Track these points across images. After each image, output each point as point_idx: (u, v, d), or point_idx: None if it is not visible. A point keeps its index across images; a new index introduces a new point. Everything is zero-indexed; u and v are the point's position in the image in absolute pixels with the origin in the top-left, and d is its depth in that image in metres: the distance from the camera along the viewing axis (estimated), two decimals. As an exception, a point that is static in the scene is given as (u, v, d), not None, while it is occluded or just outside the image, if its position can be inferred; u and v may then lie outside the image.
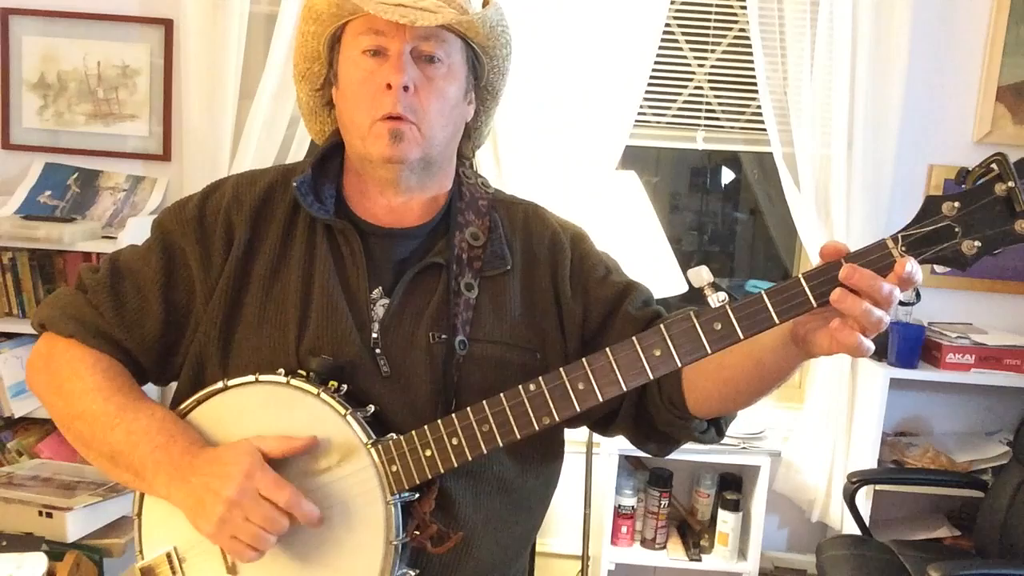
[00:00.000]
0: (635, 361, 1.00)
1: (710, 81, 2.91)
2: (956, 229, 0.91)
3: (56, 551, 1.95)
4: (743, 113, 2.93)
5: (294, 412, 1.09)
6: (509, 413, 1.04)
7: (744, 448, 2.77)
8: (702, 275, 0.89)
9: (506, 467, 1.17)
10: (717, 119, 2.93)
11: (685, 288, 2.51)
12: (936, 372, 2.73)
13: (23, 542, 1.92)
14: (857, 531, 2.64)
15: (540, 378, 1.03)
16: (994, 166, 0.90)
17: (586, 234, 1.29)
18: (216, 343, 1.16)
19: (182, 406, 1.16)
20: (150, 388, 1.24)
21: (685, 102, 2.92)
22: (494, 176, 2.72)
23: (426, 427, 1.07)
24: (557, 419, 1.03)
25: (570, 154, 2.74)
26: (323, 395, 1.08)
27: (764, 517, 2.82)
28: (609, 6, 2.67)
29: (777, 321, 0.95)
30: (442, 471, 1.07)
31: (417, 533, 1.09)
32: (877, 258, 0.92)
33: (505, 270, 1.20)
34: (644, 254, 2.49)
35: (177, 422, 1.13)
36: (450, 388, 1.13)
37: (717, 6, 2.87)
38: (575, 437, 2.31)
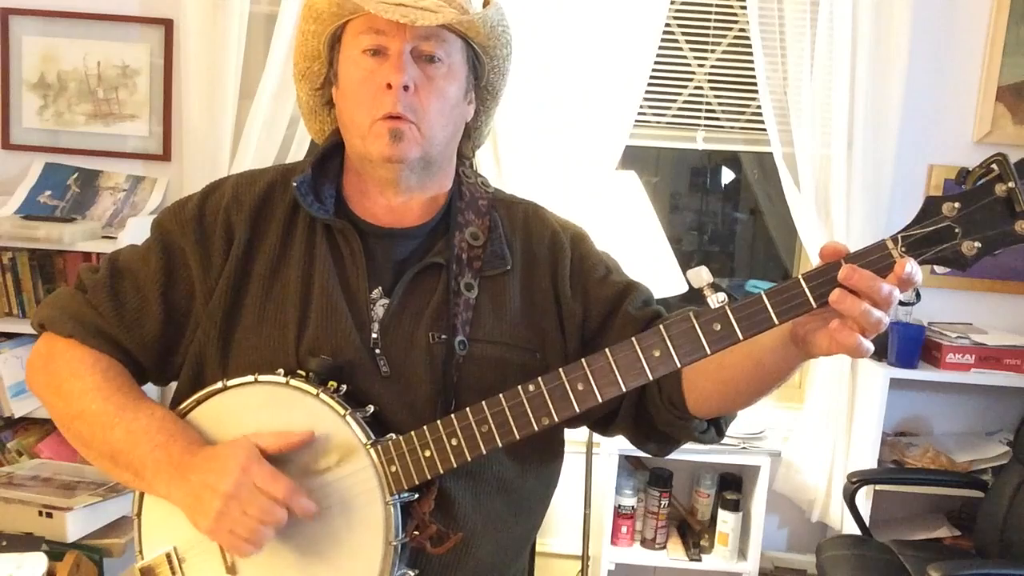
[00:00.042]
0: (634, 362, 1.00)
1: (710, 81, 2.91)
2: (956, 230, 0.91)
3: (56, 551, 1.95)
4: (743, 113, 2.92)
5: (293, 412, 1.09)
6: (508, 414, 1.04)
7: (744, 448, 2.77)
8: (702, 276, 0.88)
9: (506, 467, 1.17)
10: (717, 119, 2.93)
11: (685, 288, 2.51)
12: (936, 372, 2.73)
13: (23, 542, 1.92)
14: (857, 531, 2.64)
15: (539, 379, 1.03)
16: (994, 167, 0.90)
17: (586, 234, 1.29)
18: (215, 343, 1.16)
19: (181, 406, 1.16)
20: (150, 388, 1.24)
21: (685, 102, 2.92)
22: (494, 176, 2.72)
23: (425, 428, 1.06)
24: (556, 420, 1.03)
25: (570, 154, 2.74)
26: (322, 395, 1.08)
27: (764, 517, 2.82)
28: (609, 6, 2.67)
29: (776, 322, 0.95)
30: (441, 472, 1.06)
31: (416, 533, 1.09)
32: (877, 259, 0.92)
33: (505, 270, 1.20)
34: (644, 254, 2.49)
35: (177, 421, 1.13)
36: (450, 388, 1.13)
37: (717, 6, 2.87)
38: (575, 437, 2.31)
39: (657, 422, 1.17)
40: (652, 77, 2.78)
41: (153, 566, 1.16)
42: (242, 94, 2.73)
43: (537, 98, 2.69)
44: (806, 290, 0.93)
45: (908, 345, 2.73)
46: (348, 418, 1.07)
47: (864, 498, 2.69)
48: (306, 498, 1.05)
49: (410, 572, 1.09)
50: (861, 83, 2.68)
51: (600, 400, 1.02)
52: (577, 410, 1.02)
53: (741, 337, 0.96)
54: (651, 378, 1.00)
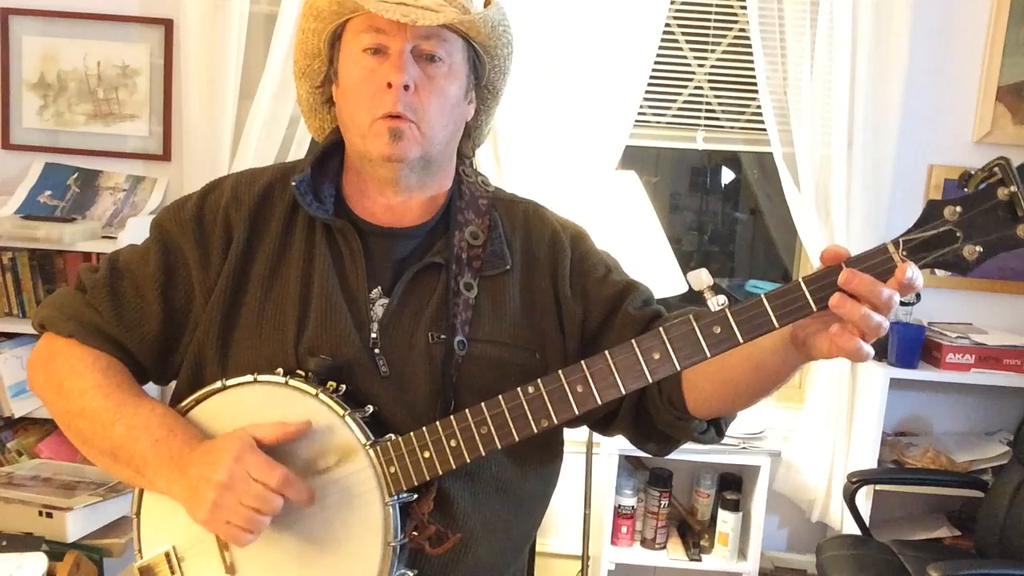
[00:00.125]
0: (634, 364, 1.00)
1: (710, 81, 2.91)
2: (957, 234, 0.91)
3: (56, 551, 1.95)
4: (743, 113, 2.92)
5: (292, 412, 1.08)
6: (507, 416, 1.04)
7: (744, 448, 2.77)
8: (702, 278, 0.88)
9: (505, 468, 1.17)
10: (717, 119, 2.93)
11: (685, 288, 2.51)
12: (936, 372, 2.73)
13: (23, 542, 1.92)
14: (857, 531, 2.64)
15: (538, 381, 1.03)
16: (996, 170, 0.90)
17: (586, 233, 1.29)
18: (215, 343, 1.16)
19: (180, 405, 1.16)
20: (151, 387, 1.24)
21: (685, 102, 2.92)
22: (494, 175, 2.72)
23: (424, 429, 1.06)
24: (556, 422, 1.03)
25: (570, 154, 2.74)
26: (321, 395, 1.08)
27: (764, 517, 2.82)
28: (609, 6, 2.67)
29: (777, 325, 0.95)
30: (440, 473, 1.06)
31: (415, 534, 1.09)
32: (878, 263, 0.91)
33: (504, 270, 1.20)
34: (644, 254, 2.49)
35: (177, 417, 1.13)
36: (449, 388, 1.13)
37: (717, 6, 2.87)
38: (575, 437, 2.31)
39: (657, 422, 1.17)
40: (652, 77, 2.78)
41: (152, 565, 1.16)
42: (242, 94, 2.72)
43: (537, 98, 2.69)
44: (806, 293, 0.93)
45: (908, 345, 2.73)
46: (347, 418, 1.07)
47: (864, 498, 2.69)
48: (302, 484, 1.04)
49: (409, 572, 1.09)
50: (861, 83, 2.68)
51: (600, 403, 1.02)
52: (576, 412, 1.02)
53: (741, 340, 0.96)
54: (650, 381, 1.00)
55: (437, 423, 1.06)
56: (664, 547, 2.88)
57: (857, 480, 2.61)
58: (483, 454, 1.05)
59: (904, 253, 0.91)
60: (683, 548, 2.87)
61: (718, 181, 3.61)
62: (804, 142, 2.74)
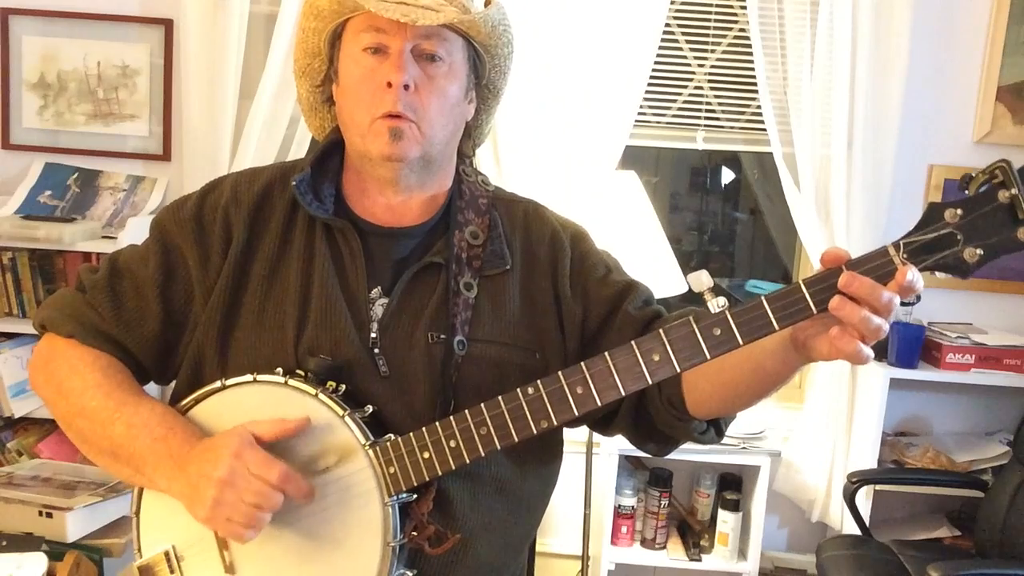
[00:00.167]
0: (634, 366, 1.00)
1: (710, 81, 2.91)
2: (958, 236, 0.91)
3: (56, 551, 1.95)
4: (743, 113, 2.92)
5: (292, 412, 1.08)
6: (507, 417, 1.04)
7: (744, 448, 2.77)
8: (702, 280, 0.88)
9: (504, 468, 1.17)
10: (717, 119, 2.93)
11: (685, 288, 2.51)
12: (936, 372, 2.73)
13: (23, 542, 1.92)
14: (857, 531, 2.64)
15: (538, 382, 1.03)
16: (997, 172, 0.90)
17: (586, 233, 1.29)
18: (214, 342, 1.16)
19: (179, 405, 1.16)
20: (152, 387, 1.24)
21: (685, 102, 2.92)
22: (494, 175, 2.72)
23: (424, 429, 1.06)
24: (555, 423, 1.03)
25: (570, 154, 2.74)
26: (321, 395, 1.08)
27: (764, 517, 2.82)
28: (609, 6, 2.67)
29: (777, 327, 0.95)
30: (440, 473, 1.06)
31: (415, 534, 1.09)
32: (878, 265, 0.91)
33: (504, 269, 1.20)
34: (644, 254, 2.49)
35: (177, 416, 1.13)
36: (448, 388, 1.13)
37: (717, 6, 2.87)
38: (575, 437, 2.31)
39: (657, 422, 1.17)
40: (652, 77, 2.78)
41: (151, 564, 1.17)
42: (242, 94, 2.72)
43: (538, 98, 2.68)
44: (807, 296, 0.93)
45: (908, 345, 2.72)
46: (347, 418, 1.07)
47: (864, 498, 2.69)
48: (301, 479, 1.04)
49: (408, 573, 1.09)
50: (861, 83, 2.68)
51: (599, 404, 1.02)
52: (576, 414, 1.02)
53: (741, 342, 0.96)
54: (650, 382, 1.00)
55: (437, 424, 1.06)
56: (664, 547, 2.87)
57: (857, 480, 2.61)
58: (482, 455, 1.05)
59: (904, 256, 0.91)
60: (683, 548, 2.87)
61: (718, 181, 3.61)
62: (804, 142, 2.74)
